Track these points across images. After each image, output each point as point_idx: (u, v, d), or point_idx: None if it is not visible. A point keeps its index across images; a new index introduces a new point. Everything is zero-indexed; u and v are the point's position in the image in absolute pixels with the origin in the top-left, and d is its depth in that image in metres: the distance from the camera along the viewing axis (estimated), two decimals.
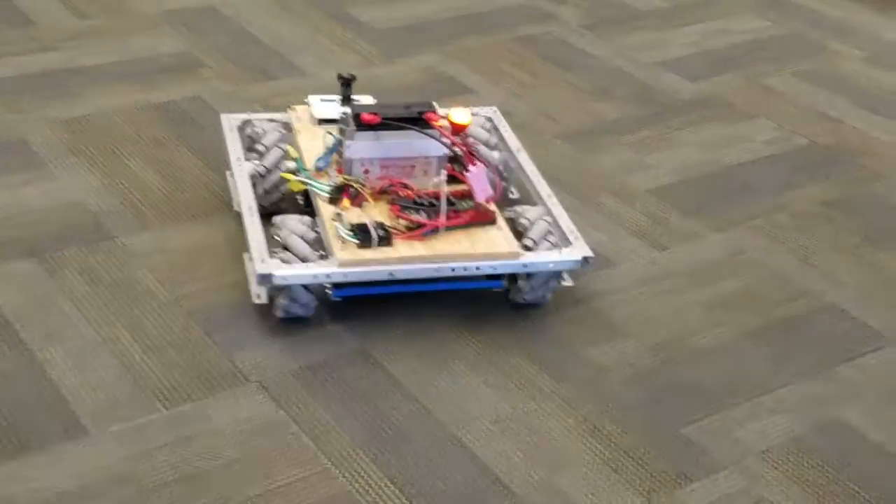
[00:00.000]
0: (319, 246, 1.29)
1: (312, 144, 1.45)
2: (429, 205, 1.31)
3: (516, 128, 1.63)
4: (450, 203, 1.31)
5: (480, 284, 1.36)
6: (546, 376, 1.27)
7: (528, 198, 1.51)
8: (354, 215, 1.30)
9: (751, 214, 1.62)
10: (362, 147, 1.34)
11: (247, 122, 1.54)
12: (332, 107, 1.52)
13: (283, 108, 1.83)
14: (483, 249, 1.29)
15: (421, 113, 1.34)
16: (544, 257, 1.31)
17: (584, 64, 2.04)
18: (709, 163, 1.75)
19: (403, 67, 1.98)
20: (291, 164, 1.44)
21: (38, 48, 1.96)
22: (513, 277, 1.35)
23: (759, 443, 1.20)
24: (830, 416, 1.24)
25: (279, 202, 1.46)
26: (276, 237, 1.30)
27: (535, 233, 1.34)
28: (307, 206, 1.45)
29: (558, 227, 1.37)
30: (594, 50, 2.10)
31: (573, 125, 1.83)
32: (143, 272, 1.39)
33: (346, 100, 1.51)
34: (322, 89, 1.89)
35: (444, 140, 1.34)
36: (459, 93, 1.90)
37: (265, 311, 1.33)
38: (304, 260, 1.26)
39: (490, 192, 1.33)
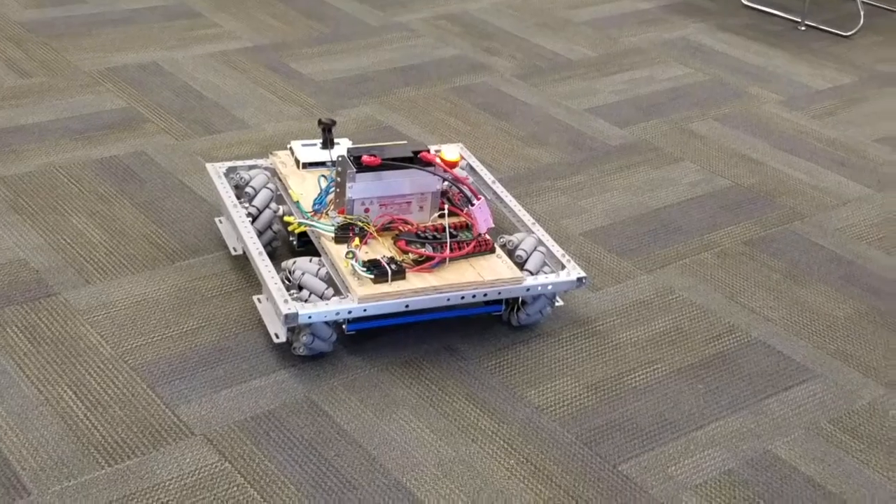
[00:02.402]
0: (329, 284, 1.34)
1: (302, 188, 1.50)
2: (432, 238, 1.37)
3: None
4: (451, 235, 1.38)
5: (482, 310, 1.43)
6: (487, 418, 1.30)
7: (503, 224, 1.58)
8: (362, 252, 1.36)
9: (679, 254, 1.69)
10: (363, 188, 1.40)
11: (231, 170, 1.58)
12: (314, 151, 1.57)
13: (227, 159, 1.85)
14: (489, 277, 1.36)
15: (416, 153, 1.41)
16: (543, 280, 1.39)
17: (518, 112, 2.11)
18: (638, 205, 1.82)
19: (343, 118, 2.02)
20: (275, 206, 1.48)
21: None
22: (509, 301, 1.43)
23: (693, 477, 1.24)
24: (761, 450, 1.29)
25: (271, 242, 1.50)
26: (287, 279, 1.34)
27: (532, 264, 1.42)
28: (300, 247, 1.50)
29: (549, 252, 1.46)
30: (528, 98, 2.18)
31: (509, 171, 1.89)
32: (87, 328, 1.39)
33: (327, 143, 1.57)
34: (265, 141, 1.92)
35: (448, 176, 1.42)
36: (398, 141, 1.96)
37: (210, 362, 1.35)
38: (321, 298, 1.30)
39: (491, 223, 1.42)
